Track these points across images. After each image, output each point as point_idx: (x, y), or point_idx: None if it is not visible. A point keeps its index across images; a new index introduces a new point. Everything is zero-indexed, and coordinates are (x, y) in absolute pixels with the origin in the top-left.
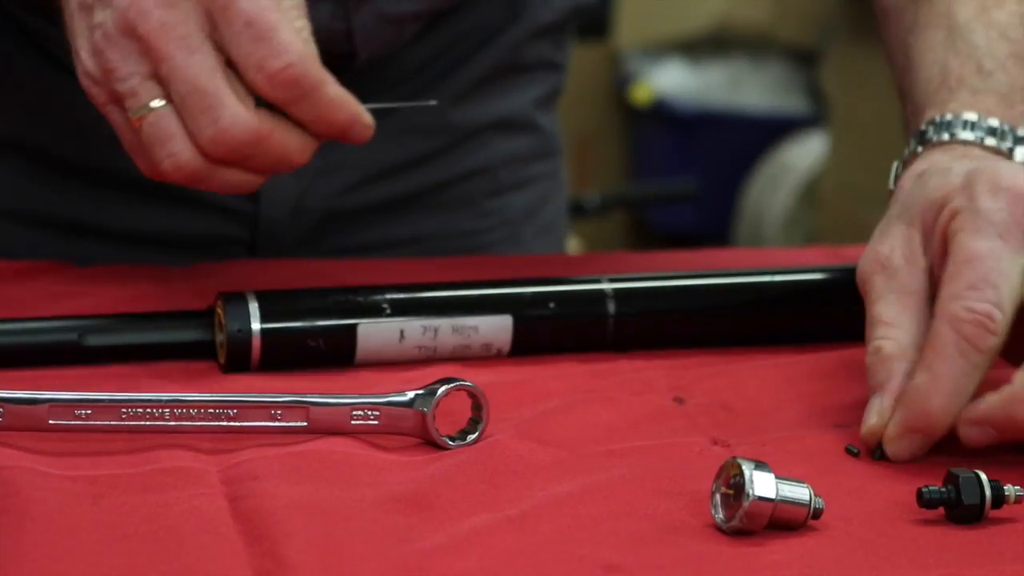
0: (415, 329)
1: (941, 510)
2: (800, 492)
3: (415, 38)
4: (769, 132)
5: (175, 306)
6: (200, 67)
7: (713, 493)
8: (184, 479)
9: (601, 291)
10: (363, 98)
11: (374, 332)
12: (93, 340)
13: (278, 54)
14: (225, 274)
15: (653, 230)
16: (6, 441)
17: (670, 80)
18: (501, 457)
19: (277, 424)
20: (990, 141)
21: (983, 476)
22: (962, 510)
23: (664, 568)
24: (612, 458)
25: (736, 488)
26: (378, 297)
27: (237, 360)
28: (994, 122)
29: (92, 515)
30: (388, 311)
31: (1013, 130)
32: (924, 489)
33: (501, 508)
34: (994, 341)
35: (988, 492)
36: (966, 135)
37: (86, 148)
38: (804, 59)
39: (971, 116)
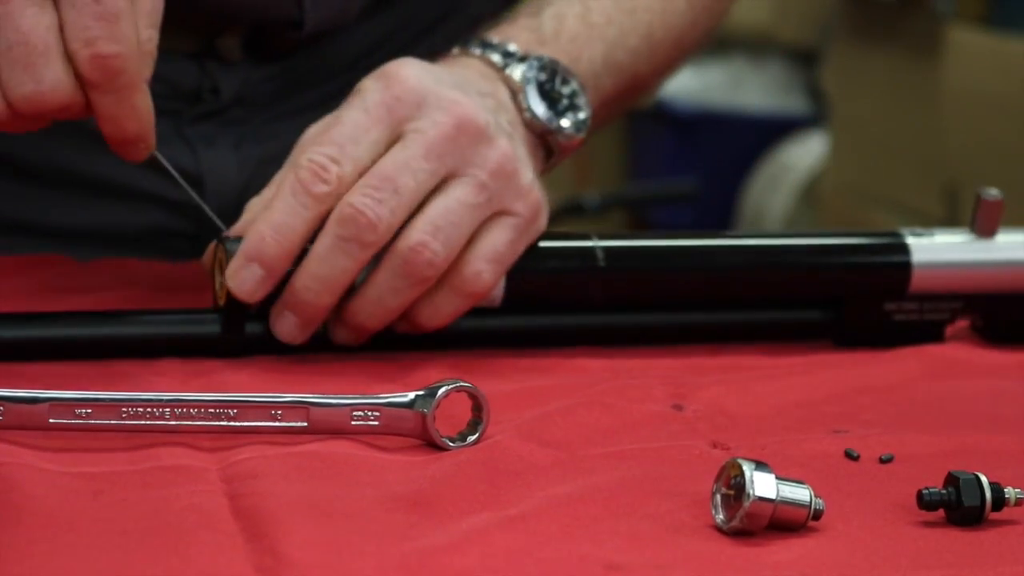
0: None
1: (941, 512)
2: (800, 493)
3: (354, 30)
4: (769, 132)
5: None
6: (35, 20)
7: (713, 494)
8: (184, 476)
9: (592, 248)
10: (296, 89)
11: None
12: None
13: (115, 39)
14: None
15: (653, 230)
16: (5, 437)
17: (670, 80)
18: (501, 458)
19: (277, 424)
20: (488, 53)
21: (983, 478)
22: (962, 512)
23: (664, 568)
24: (611, 460)
25: (736, 489)
26: None
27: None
28: (498, 40)
29: (91, 511)
30: None
31: (505, 45)
32: (924, 491)
33: (501, 507)
34: (324, 188)
35: (988, 494)
36: (476, 50)
37: (17, 142)
38: (804, 59)
39: (494, 39)
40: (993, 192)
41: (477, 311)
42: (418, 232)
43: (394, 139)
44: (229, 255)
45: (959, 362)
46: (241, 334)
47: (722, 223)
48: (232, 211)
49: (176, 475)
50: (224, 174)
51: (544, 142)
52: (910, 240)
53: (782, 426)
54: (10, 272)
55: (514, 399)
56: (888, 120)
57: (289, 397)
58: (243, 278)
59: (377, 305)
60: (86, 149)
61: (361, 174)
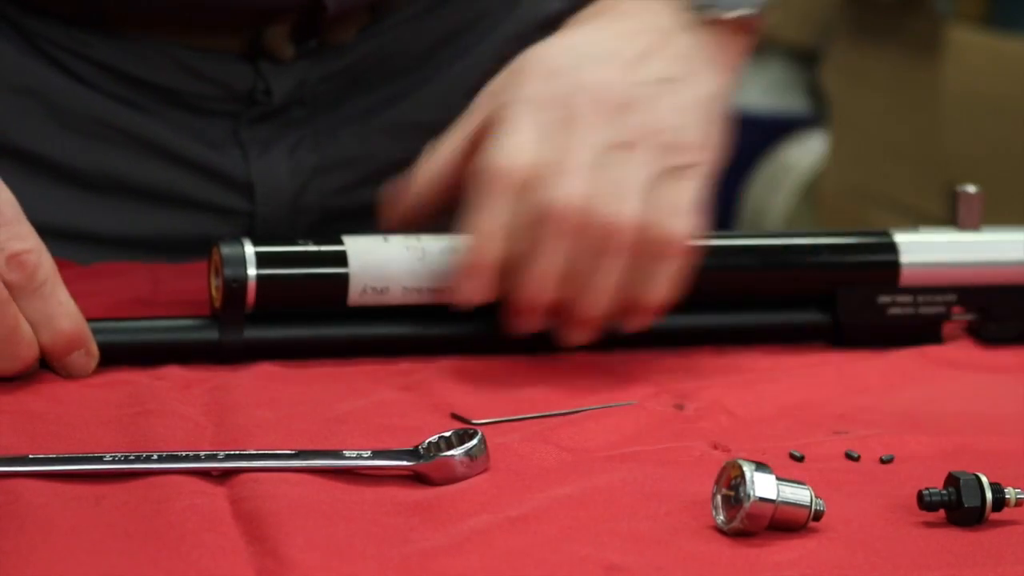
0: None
1: (942, 512)
2: (801, 494)
3: (415, 26)
4: (769, 132)
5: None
6: None
7: (714, 495)
8: (185, 480)
9: None
10: (358, 91)
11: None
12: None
13: (21, 237)
14: None
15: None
16: (5, 444)
17: None
18: (502, 459)
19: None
20: None
21: (984, 479)
22: (963, 513)
23: (665, 569)
24: (613, 461)
25: (737, 489)
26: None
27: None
28: None
29: (94, 516)
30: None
31: None
32: (925, 492)
33: (502, 509)
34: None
35: (989, 495)
36: None
37: (75, 150)
38: (804, 59)
39: None
40: (970, 188)
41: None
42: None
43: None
44: (224, 258)
45: (959, 363)
46: (240, 338)
47: (722, 223)
48: (282, 218)
49: (177, 479)
50: (275, 181)
51: (739, 26)
52: (898, 238)
53: (783, 427)
54: None
55: (514, 400)
56: (888, 120)
57: (285, 463)
58: (471, 289)
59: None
60: (137, 157)
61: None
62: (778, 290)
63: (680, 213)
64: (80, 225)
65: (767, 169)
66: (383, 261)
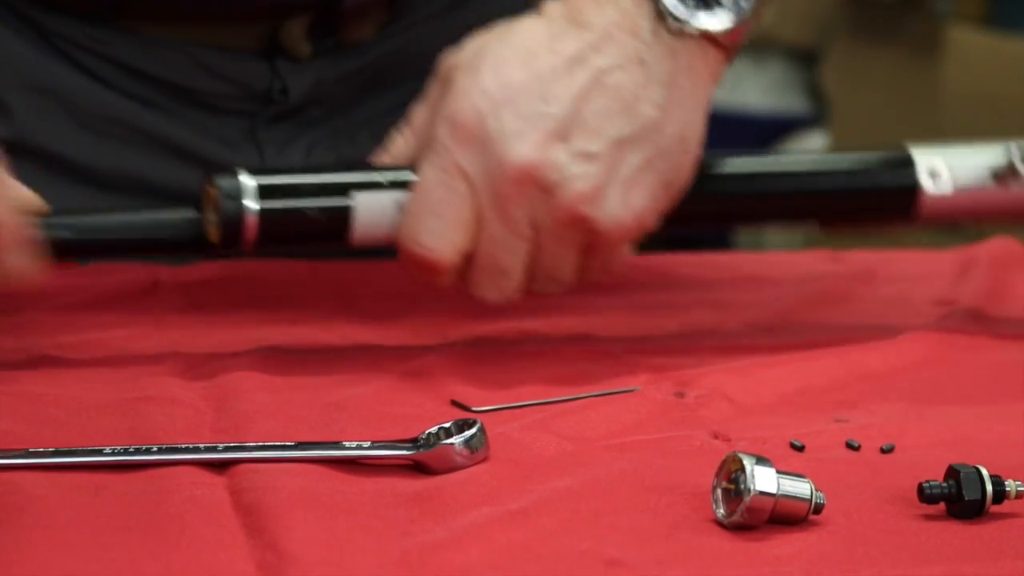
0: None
1: (942, 505)
2: (801, 487)
3: (432, 26)
4: (769, 132)
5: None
6: None
7: (714, 488)
8: (185, 471)
9: None
10: (375, 91)
11: (370, 201)
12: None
13: None
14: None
15: (653, 230)
16: (4, 439)
17: None
18: (502, 448)
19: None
20: None
21: (984, 471)
22: (963, 505)
23: (665, 563)
24: (613, 452)
25: (737, 483)
26: (375, 173)
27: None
28: None
29: (93, 507)
30: (385, 185)
31: None
32: (925, 484)
33: (502, 502)
34: None
35: (989, 487)
36: None
37: (92, 150)
38: (804, 59)
39: None
40: None
41: None
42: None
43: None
44: (221, 191)
45: (960, 349)
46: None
47: None
48: None
49: (177, 470)
50: None
51: (715, 42)
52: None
53: (784, 414)
54: None
55: (515, 387)
56: (888, 120)
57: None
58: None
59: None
60: (154, 157)
61: None
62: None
63: (638, 210)
64: None
65: None
66: (388, 201)
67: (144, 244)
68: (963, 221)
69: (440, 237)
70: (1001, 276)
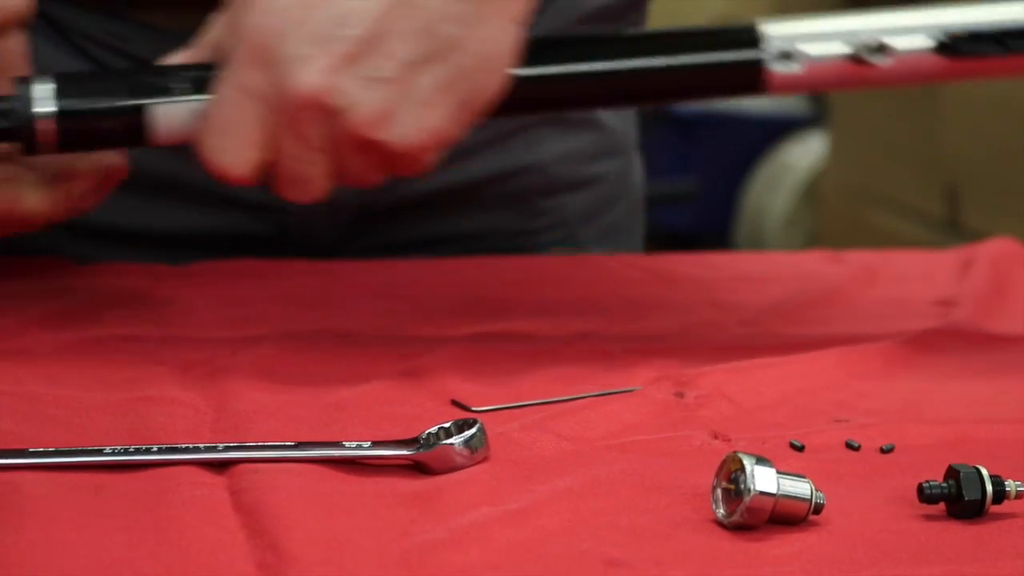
0: None
1: (942, 505)
2: (801, 487)
3: None
4: (769, 132)
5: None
6: None
7: (714, 488)
8: (185, 471)
9: None
10: None
11: (166, 111)
12: None
13: None
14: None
15: (653, 230)
16: (4, 439)
17: None
18: (502, 448)
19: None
20: None
21: (984, 471)
22: (963, 505)
23: (665, 563)
24: (613, 452)
25: (737, 483)
26: (173, 79)
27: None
28: None
29: (93, 507)
30: (179, 95)
31: None
32: (925, 484)
33: (502, 502)
34: None
35: (989, 488)
36: None
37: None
38: None
39: None
40: None
41: None
42: None
43: None
44: (12, 98)
45: (960, 349)
46: None
47: (722, 223)
48: (319, 216)
49: (177, 470)
50: None
51: None
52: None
53: (783, 414)
54: (11, 273)
55: (514, 386)
56: (888, 120)
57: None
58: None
59: None
60: (170, 150)
61: None
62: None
63: (432, 131)
64: (109, 222)
65: (767, 169)
66: (184, 110)
67: None
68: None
69: (234, 155)
70: (1001, 276)
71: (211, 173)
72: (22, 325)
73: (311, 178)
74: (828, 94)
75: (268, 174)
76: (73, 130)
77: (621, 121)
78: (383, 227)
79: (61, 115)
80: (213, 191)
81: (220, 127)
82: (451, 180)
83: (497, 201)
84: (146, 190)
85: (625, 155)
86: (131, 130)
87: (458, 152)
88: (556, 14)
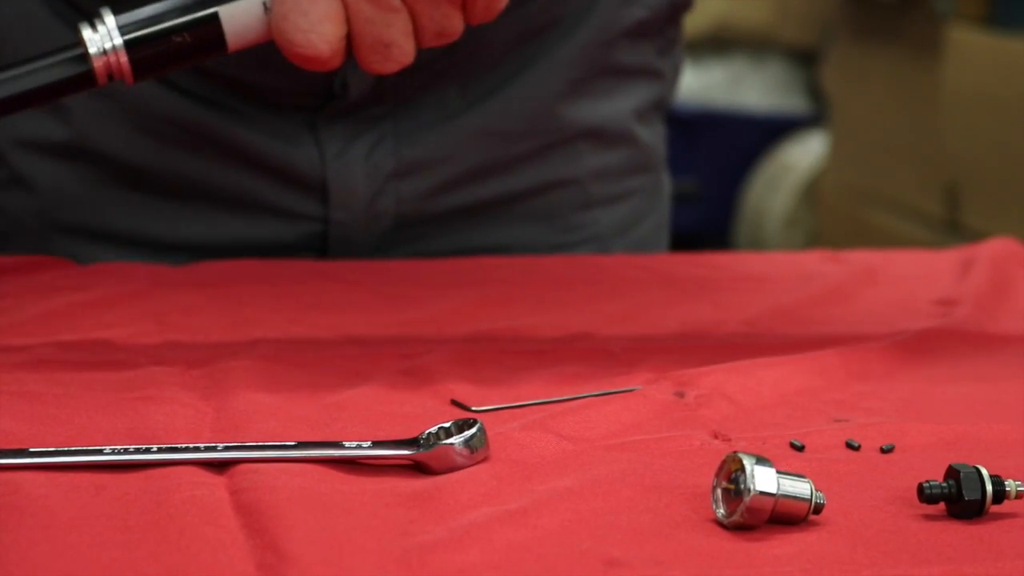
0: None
1: (942, 505)
2: (801, 487)
3: (494, 21)
4: (769, 132)
5: (189, 312)
6: None
7: (714, 488)
8: (185, 471)
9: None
10: (436, 88)
11: (235, 10)
12: None
13: None
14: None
15: None
16: (4, 439)
17: None
18: (502, 448)
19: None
20: None
21: (984, 471)
22: (963, 505)
23: (665, 563)
24: (613, 452)
25: (737, 483)
26: None
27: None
28: None
29: (93, 507)
30: None
31: None
32: (925, 484)
33: (502, 502)
34: None
35: (989, 487)
36: None
37: (149, 153)
38: (804, 59)
39: None
40: None
41: None
42: None
43: None
44: (88, 32)
45: (960, 349)
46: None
47: (722, 223)
48: (357, 224)
49: (177, 470)
50: (350, 184)
51: None
52: None
53: (784, 414)
54: (11, 272)
55: (514, 386)
56: (888, 120)
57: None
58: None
59: None
60: (211, 158)
61: None
62: None
63: None
64: (149, 231)
65: (767, 169)
66: (254, 5)
67: (37, 93)
68: None
69: (312, 33)
70: (1001, 276)
71: (294, 59)
72: (22, 325)
73: (392, 40)
74: (828, 94)
75: (349, 50)
76: (151, 55)
77: (654, 137)
78: (419, 238)
79: (138, 42)
80: (255, 200)
81: (292, 6)
82: (488, 193)
83: (533, 215)
84: (182, 198)
85: (656, 171)
86: (207, 39)
87: (497, 165)
88: (596, 27)
